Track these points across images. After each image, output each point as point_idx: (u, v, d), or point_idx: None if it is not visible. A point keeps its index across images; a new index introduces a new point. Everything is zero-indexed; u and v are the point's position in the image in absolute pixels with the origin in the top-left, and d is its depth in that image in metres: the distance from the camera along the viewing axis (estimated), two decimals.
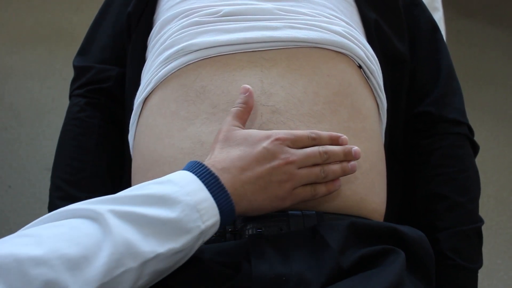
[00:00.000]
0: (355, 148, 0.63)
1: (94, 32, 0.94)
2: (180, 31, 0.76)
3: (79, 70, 0.91)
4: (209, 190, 0.55)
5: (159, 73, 0.75)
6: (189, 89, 0.71)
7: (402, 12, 0.88)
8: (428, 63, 0.89)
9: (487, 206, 1.66)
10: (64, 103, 0.91)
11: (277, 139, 0.60)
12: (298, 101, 0.68)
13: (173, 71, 0.74)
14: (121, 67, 0.89)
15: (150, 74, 0.77)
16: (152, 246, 0.50)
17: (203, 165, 0.57)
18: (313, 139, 0.62)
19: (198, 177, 0.55)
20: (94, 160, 0.84)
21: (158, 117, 0.72)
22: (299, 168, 0.60)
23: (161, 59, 0.75)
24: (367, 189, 0.69)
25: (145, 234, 0.50)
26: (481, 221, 0.80)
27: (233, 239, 0.63)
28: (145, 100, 0.77)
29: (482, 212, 0.81)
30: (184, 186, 0.54)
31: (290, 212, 0.63)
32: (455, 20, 2.07)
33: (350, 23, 0.80)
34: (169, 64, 0.74)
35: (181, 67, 0.73)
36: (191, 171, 0.56)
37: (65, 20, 1.98)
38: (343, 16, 0.80)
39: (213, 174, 0.56)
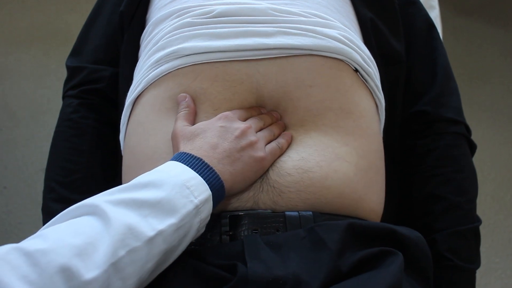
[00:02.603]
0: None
1: (87, 32, 0.93)
2: (172, 33, 0.75)
3: (72, 71, 0.90)
4: (194, 169, 0.58)
5: (150, 74, 0.74)
6: (187, 88, 0.71)
7: (398, 11, 0.87)
8: (425, 62, 0.88)
9: (484, 205, 1.66)
10: (59, 103, 0.91)
11: (226, 116, 0.66)
12: (284, 112, 0.73)
13: (165, 73, 0.73)
14: (114, 67, 0.88)
15: (141, 75, 0.76)
16: (152, 225, 0.52)
17: (184, 152, 0.60)
18: (262, 125, 0.69)
19: (182, 162, 0.59)
20: (87, 161, 0.83)
21: (151, 114, 0.72)
22: (255, 134, 0.66)
23: (152, 60, 0.75)
24: (366, 187, 0.69)
25: (143, 215, 0.52)
26: (478, 221, 0.80)
27: (229, 240, 0.62)
28: (136, 99, 0.76)
29: (479, 211, 0.81)
30: (169, 171, 0.57)
31: (286, 213, 0.63)
32: (451, 18, 2.07)
33: (346, 23, 0.79)
34: (161, 65, 0.74)
35: (175, 69, 0.73)
36: (177, 160, 0.60)
37: (60, 21, 1.97)
38: (338, 15, 0.79)
39: (195, 156, 0.60)
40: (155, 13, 0.82)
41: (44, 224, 0.82)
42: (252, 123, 0.68)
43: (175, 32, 0.75)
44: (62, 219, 0.53)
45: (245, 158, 0.62)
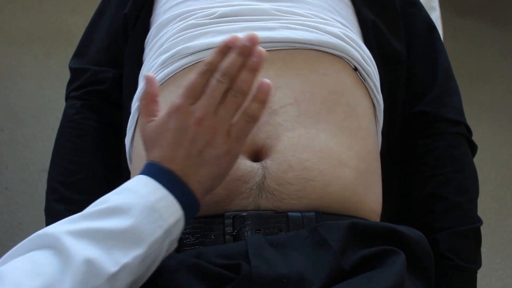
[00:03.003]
0: (246, 37, 0.57)
1: (90, 34, 0.93)
2: (176, 35, 0.75)
3: (75, 72, 0.91)
4: (165, 187, 0.54)
5: (156, 78, 0.74)
6: None
7: (399, 12, 0.87)
8: (426, 62, 0.88)
9: (484, 205, 1.66)
10: (61, 104, 0.91)
11: (175, 111, 0.57)
12: (295, 101, 0.68)
13: (169, 76, 0.73)
14: (117, 69, 0.88)
15: None
16: (116, 258, 0.49)
17: (154, 164, 0.56)
18: (205, 72, 0.57)
19: (152, 177, 0.54)
20: (90, 162, 0.83)
21: None
22: (215, 113, 0.56)
23: (157, 63, 0.75)
24: (365, 189, 0.69)
25: (107, 248, 0.49)
26: (479, 221, 0.80)
27: (232, 241, 0.62)
28: None
29: (480, 211, 0.81)
30: (139, 190, 0.53)
31: (289, 213, 0.63)
32: (452, 19, 2.07)
33: (347, 24, 0.79)
34: (165, 68, 0.74)
35: (178, 71, 0.73)
36: (145, 174, 0.55)
37: (61, 21, 1.97)
38: (339, 17, 0.79)
39: (166, 169, 0.55)
40: (159, 17, 0.83)
41: (47, 225, 0.82)
42: (210, 97, 0.56)
43: (179, 34, 0.75)
44: (22, 251, 0.50)
45: (207, 160, 0.56)
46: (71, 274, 0.47)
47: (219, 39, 0.72)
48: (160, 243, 0.52)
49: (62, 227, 0.50)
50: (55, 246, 0.49)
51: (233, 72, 0.57)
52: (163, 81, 0.74)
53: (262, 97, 0.58)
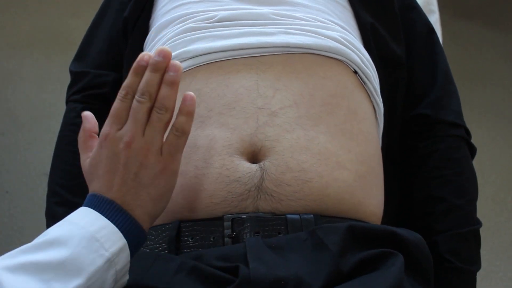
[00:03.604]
0: (157, 52, 0.57)
1: (90, 38, 0.94)
2: (175, 38, 0.76)
3: (75, 76, 0.91)
4: (106, 216, 0.53)
5: None
6: (183, 93, 0.71)
7: (398, 15, 0.88)
8: (425, 65, 0.89)
9: (485, 207, 1.66)
10: (61, 107, 0.91)
11: (104, 139, 0.57)
12: (294, 104, 0.68)
13: None
14: (117, 72, 0.89)
15: None
16: None
17: (95, 195, 0.56)
18: (125, 96, 0.57)
19: (93, 208, 0.54)
20: None
21: None
22: (143, 134, 0.56)
23: None
24: (364, 192, 0.69)
25: (45, 280, 0.48)
26: (478, 223, 0.80)
27: (231, 243, 0.62)
28: None
29: (480, 213, 0.81)
30: (78, 221, 0.53)
31: (288, 215, 0.63)
32: (451, 22, 2.07)
33: (346, 27, 0.80)
34: None
35: None
36: (86, 205, 0.55)
37: (62, 25, 1.97)
38: (338, 21, 0.80)
39: (106, 199, 0.55)
40: (158, 19, 0.83)
41: (47, 228, 0.83)
42: (134, 119, 0.56)
43: (178, 37, 0.76)
44: None
45: (145, 182, 0.56)
46: None
47: (218, 43, 0.72)
48: (102, 273, 0.51)
49: (0, 263, 0.49)
50: None
51: (151, 90, 0.56)
52: None
53: (187, 109, 0.57)
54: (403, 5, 0.91)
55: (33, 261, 0.49)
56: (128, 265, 0.54)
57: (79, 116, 0.87)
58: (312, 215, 0.64)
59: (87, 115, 0.63)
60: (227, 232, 0.63)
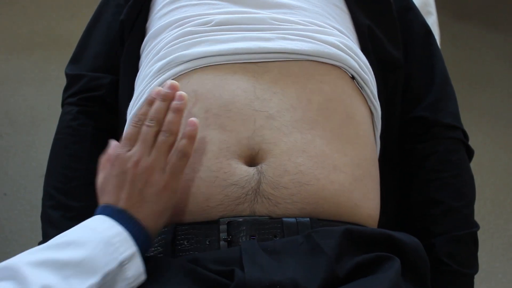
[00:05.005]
0: (166, 85, 0.65)
1: (86, 40, 0.93)
2: (173, 42, 0.76)
3: (71, 78, 0.91)
4: (121, 224, 0.58)
5: (152, 85, 0.74)
6: (179, 94, 0.71)
7: (396, 17, 0.88)
8: (422, 68, 0.89)
9: (484, 209, 1.66)
10: (60, 110, 0.91)
11: (115, 159, 0.63)
12: (291, 107, 0.68)
13: None
14: (113, 75, 0.89)
15: (143, 86, 0.76)
16: (73, 286, 0.53)
17: (109, 205, 0.61)
18: (137, 122, 0.64)
19: (108, 216, 0.59)
20: (87, 168, 0.83)
21: None
22: (149, 155, 0.62)
23: (154, 70, 0.75)
24: (361, 195, 0.69)
25: (65, 276, 0.53)
26: (476, 226, 0.80)
27: (227, 246, 0.62)
28: None
29: (479, 215, 0.81)
30: (96, 227, 0.58)
31: (284, 219, 0.63)
32: (449, 24, 2.07)
33: (343, 30, 0.80)
34: (162, 75, 0.74)
35: (174, 77, 0.73)
36: (102, 214, 0.60)
37: (61, 27, 1.98)
38: (336, 24, 0.79)
39: (120, 209, 0.60)
40: (155, 22, 0.83)
41: (43, 231, 0.83)
42: (144, 141, 0.63)
43: (175, 41, 0.75)
44: None
45: (148, 198, 0.61)
46: None
47: (215, 48, 0.72)
48: (114, 276, 0.56)
49: (22, 259, 0.54)
50: (15, 277, 0.52)
51: (160, 116, 0.64)
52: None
53: (190, 134, 0.63)
54: (400, 6, 0.91)
55: (53, 258, 0.54)
56: (141, 268, 0.59)
57: (75, 119, 0.87)
58: (308, 219, 0.63)
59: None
60: (223, 235, 0.63)
